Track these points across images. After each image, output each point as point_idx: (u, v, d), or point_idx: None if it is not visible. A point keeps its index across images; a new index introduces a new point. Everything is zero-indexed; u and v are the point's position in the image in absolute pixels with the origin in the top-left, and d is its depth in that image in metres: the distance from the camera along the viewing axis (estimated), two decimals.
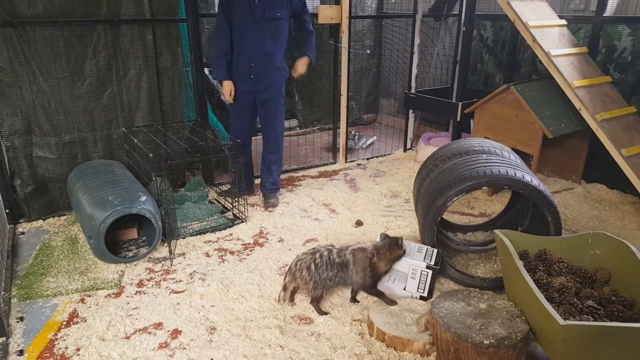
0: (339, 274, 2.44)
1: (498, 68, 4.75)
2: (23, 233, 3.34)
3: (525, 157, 3.28)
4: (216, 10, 3.69)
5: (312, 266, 2.40)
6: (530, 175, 2.46)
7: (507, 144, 3.50)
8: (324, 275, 2.41)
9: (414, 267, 2.50)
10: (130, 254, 3.03)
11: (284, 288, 2.52)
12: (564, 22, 3.83)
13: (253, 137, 3.87)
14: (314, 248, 2.50)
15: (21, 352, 2.21)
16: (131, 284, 2.75)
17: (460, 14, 4.69)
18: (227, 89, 3.50)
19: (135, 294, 2.66)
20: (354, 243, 2.55)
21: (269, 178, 3.77)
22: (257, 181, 4.21)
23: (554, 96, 3.64)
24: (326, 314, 2.46)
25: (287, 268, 2.53)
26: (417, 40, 4.79)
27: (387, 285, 2.59)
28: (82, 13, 3.29)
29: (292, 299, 2.55)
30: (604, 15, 3.80)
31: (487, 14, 4.81)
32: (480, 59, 4.92)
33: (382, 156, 5.00)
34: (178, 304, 2.56)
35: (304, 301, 2.56)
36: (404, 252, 2.48)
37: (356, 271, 2.44)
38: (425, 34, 5.27)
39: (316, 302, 2.48)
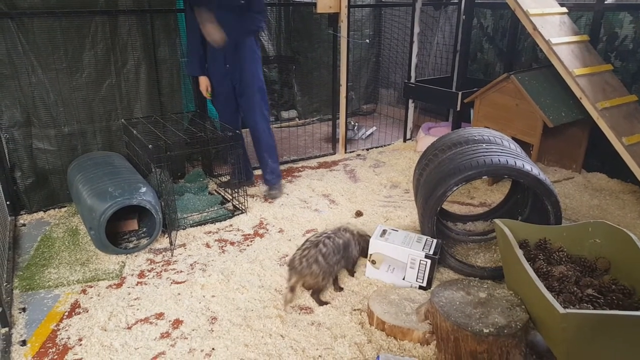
0: (344, 254, 2.53)
1: (498, 57, 4.72)
2: (24, 225, 3.34)
3: (525, 146, 3.27)
4: None
5: (320, 257, 2.40)
6: (531, 165, 2.45)
7: (507, 133, 3.49)
8: (333, 261, 2.45)
9: (412, 256, 2.50)
10: (131, 245, 3.04)
11: (292, 290, 2.38)
12: (564, 9, 3.80)
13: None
14: (310, 241, 2.47)
15: (24, 343, 2.23)
16: (132, 275, 2.76)
17: (460, 2, 4.65)
18: (202, 85, 3.54)
19: (137, 284, 2.67)
20: (334, 228, 2.61)
21: (266, 168, 3.73)
22: (257, 172, 4.21)
23: (554, 85, 3.63)
24: (326, 303, 2.47)
25: (287, 268, 2.44)
26: (416, 29, 4.75)
27: (386, 274, 2.60)
28: (80, 4, 3.27)
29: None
30: (606, 2, 3.77)
31: (487, 2, 4.77)
32: (480, 47, 4.89)
33: (381, 146, 4.99)
34: (179, 294, 2.58)
35: (304, 291, 2.57)
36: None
37: (354, 245, 2.61)
38: (424, 23, 5.23)
39: (317, 293, 2.49)
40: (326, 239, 2.46)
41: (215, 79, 3.51)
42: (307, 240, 2.50)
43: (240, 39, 3.35)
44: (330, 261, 2.43)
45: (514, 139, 3.13)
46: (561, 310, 1.64)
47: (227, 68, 3.42)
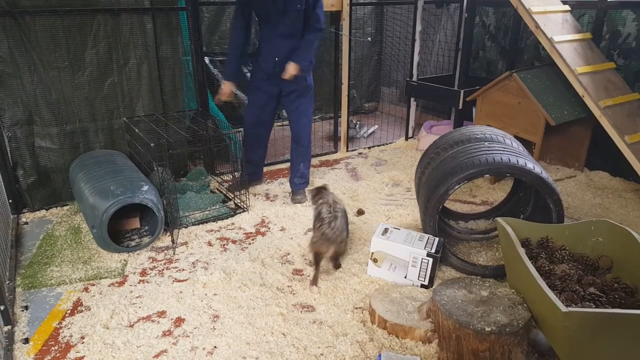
0: (347, 222, 2.76)
1: (500, 55, 4.71)
2: (26, 223, 3.35)
3: (527, 144, 3.27)
4: None
5: (344, 226, 2.66)
6: (533, 163, 2.45)
7: (509, 131, 3.49)
8: (346, 228, 2.74)
9: (414, 255, 2.50)
10: (133, 243, 3.05)
11: (333, 259, 2.71)
12: (567, 7, 3.79)
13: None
14: (326, 216, 2.63)
15: (26, 341, 2.23)
16: (134, 273, 2.76)
17: (462, 0, 4.64)
18: (224, 90, 3.45)
19: (139, 282, 2.68)
20: (327, 204, 2.73)
21: (297, 172, 3.67)
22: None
23: (556, 83, 3.62)
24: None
25: (319, 243, 2.59)
26: (418, 28, 4.74)
27: (387, 273, 2.60)
28: (82, 2, 3.27)
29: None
30: (608, 0, 3.75)
31: (489, 0, 4.75)
32: (483, 46, 4.88)
33: (383, 145, 4.98)
34: (181, 292, 2.58)
35: (305, 288, 2.58)
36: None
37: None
38: (426, 21, 5.22)
39: (338, 259, 2.75)
40: (337, 212, 2.66)
41: (261, 79, 3.45)
42: (320, 217, 2.65)
43: (296, 44, 3.29)
44: (346, 228, 2.71)
45: (516, 137, 3.13)
46: (563, 308, 1.64)
47: (277, 72, 3.33)
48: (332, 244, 2.59)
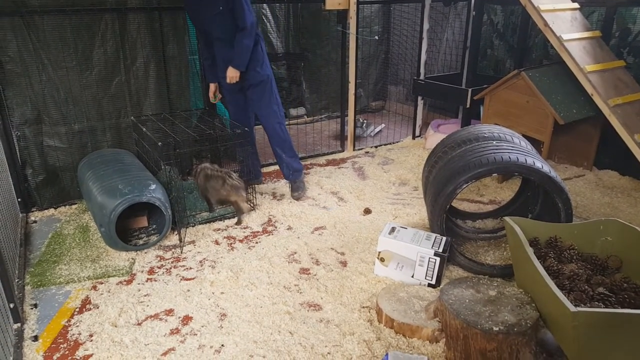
0: None
1: (508, 53, 4.68)
2: (35, 221, 3.38)
3: (536, 143, 3.24)
4: None
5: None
6: (541, 162, 2.43)
7: (517, 130, 3.46)
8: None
9: (421, 254, 2.49)
10: (141, 242, 3.06)
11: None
12: (576, 5, 3.76)
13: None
14: (218, 172, 3.23)
15: (36, 338, 2.25)
16: (142, 272, 2.78)
17: None
18: (210, 90, 3.66)
19: (146, 281, 2.69)
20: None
21: (282, 163, 3.72)
22: (265, 170, 4.23)
23: (565, 81, 3.59)
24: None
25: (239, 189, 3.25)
26: (426, 26, 4.72)
27: (394, 272, 2.60)
28: (90, 1, 3.29)
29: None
30: None
31: None
32: (491, 44, 4.85)
33: (390, 144, 4.97)
34: (188, 290, 2.59)
35: (312, 287, 2.58)
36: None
37: None
38: (434, 19, 5.20)
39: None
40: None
41: (223, 79, 3.50)
42: (217, 175, 3.22)
43: (232, 41, 3.30)
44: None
45: (524, 136, 3.10)
46: (572, 308, 1.63)
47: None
48: (241, 191, 3.23)
